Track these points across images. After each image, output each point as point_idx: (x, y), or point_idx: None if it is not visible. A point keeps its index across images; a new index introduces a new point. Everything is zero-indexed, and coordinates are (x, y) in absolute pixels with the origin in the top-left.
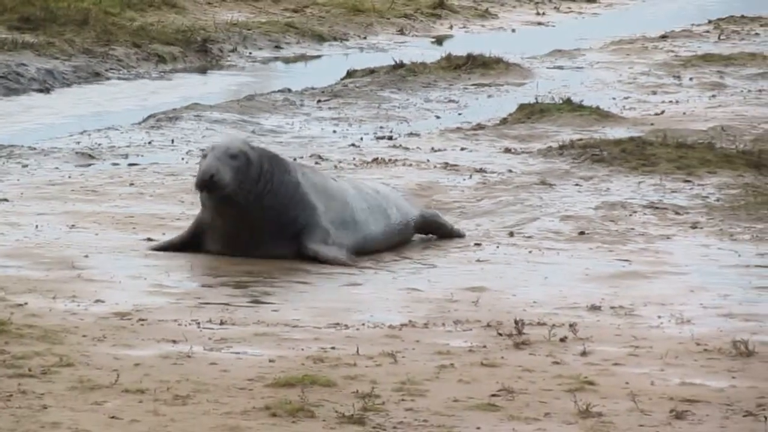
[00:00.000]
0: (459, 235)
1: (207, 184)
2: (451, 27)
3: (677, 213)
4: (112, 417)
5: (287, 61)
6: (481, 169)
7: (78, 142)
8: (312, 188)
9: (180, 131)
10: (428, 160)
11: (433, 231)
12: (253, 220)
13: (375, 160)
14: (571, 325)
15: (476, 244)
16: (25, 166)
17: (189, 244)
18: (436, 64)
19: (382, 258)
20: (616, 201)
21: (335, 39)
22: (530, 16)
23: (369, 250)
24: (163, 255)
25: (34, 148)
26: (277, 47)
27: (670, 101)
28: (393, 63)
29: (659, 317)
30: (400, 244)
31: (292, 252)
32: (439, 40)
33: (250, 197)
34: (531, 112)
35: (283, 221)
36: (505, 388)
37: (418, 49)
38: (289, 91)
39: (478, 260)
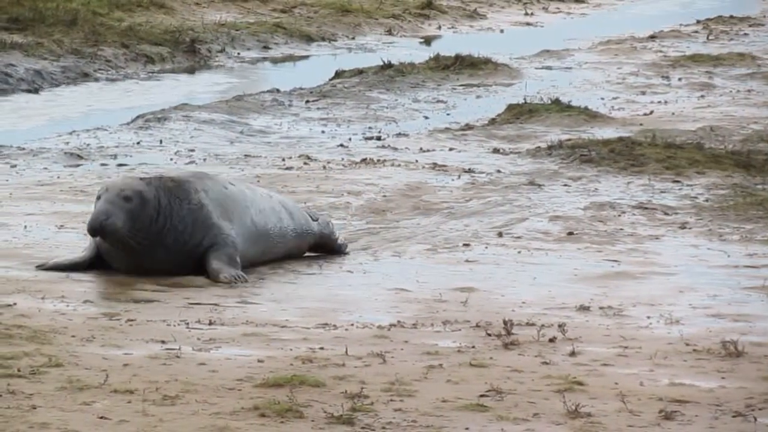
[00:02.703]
0: (343, 252)
1: (98, 230)
2: (439, 27)
3: (666, 213)
4: (101, 417)
5: (275, 61)
6: (469, 169)
7: (67, 143)
8: (216, 205)
9: (168, 132)
10: (417, 161)
11: (325, 247)
12: (153, 256)
13: (363, 160)
14: (560, 326)
15: (465, 245)
16: (14, 166)
17: (92, 264)
18: (424, 65)
19: (371, 256)
20: (604, 201)
21: (323, 39)
22: (519, 16)
23: (268, 254)
24: None
25: (23, 149)
26: (266, 48)
27: (659, 101)
28: (381, 63)
29: (648, 318)
30: (297, 252)
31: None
32: (428, 41)
33: (145, 241)
34: (519, 112)
35: (189, 248)
36: (494, 389)
37: (406, 50)
38: (278, 91)
39: (467, 261)
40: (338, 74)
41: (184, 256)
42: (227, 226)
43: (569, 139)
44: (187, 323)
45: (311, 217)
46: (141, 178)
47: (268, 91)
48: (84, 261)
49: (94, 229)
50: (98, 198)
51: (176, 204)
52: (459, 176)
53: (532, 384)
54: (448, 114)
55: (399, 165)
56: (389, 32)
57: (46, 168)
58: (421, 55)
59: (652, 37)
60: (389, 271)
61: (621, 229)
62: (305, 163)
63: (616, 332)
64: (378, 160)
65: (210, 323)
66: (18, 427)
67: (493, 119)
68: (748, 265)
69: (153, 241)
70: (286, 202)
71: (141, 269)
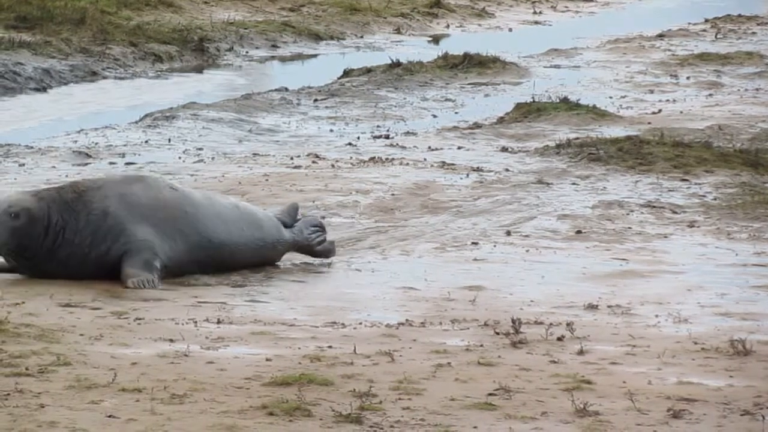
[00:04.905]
0: (325, 256)
1: None
2: (447, 26)
3: (674, 212)
4: (109, 416)
5: (284, 60)
6: (477, 168)
7: (75, 141)
8: (130, 211)
9: (177, 130)
10: (425, 159)
11: (305, 252)
12: (47, 269)
13: (372, 159)
14: (568, 324)
15: (473, 243)
16: (22, 165)
17: (9, 270)
18: (432, 63)
19: (381, 255)
20: (613, 200)
21: (332, 38)
22: (527, 15)
23: (224, 262)
24: None
25: (31, 147)
26: (274, 46)
27: (667, 100)
28: (390, 62)
29: (656, 316)
30: (271, 260)
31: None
32: (436, 39)
33: (34, 257)
34: (528, 111)
35: (94, 258)
36: (502, 387)
37: (414, 48)
38: (286, 90)
39: (475, 259)
40: (346, 73)
41: (91, 266)
42: (144, 231)
43: (577, 138)
44: (196, 322)
45: (285, 224)
46: (34, 194)
47: (276, 90)
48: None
49: None
50: None
51: (71, 218)
52: (467, 175)
53: (540, 382)
54: (456, 113)
55: (407, 164)
56: (398, 31)
57: (54, 167)
58: (429, 53)
59: (661, 36)
60: (397, 270)
61: (629, 228)
62: (314, 162)
63: (625, 331)
64: (386, 159)
65: (218, 322)
66: (26, 425)
67: (502, 118)
68: (756, 263)
69: (44, 256)
70: (254, 212)
71: (55, 276)
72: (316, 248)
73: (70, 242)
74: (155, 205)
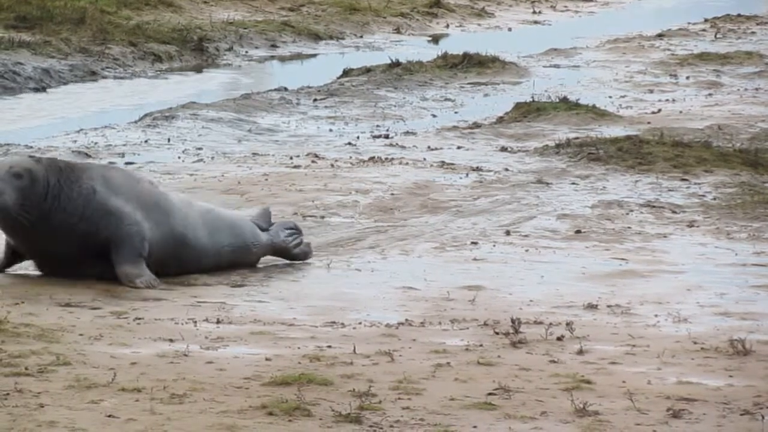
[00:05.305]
0: (302, 259)
1: None
2: (447, 26)
3: (674, 212)
4: (109, 416)
5: (283, 59)
6: (477, 167)
7: (74, 141)
8: (115, 193)
9: (176, 130)
10: (425, 159)
11: (281, 256)
12: (45, 240)
13: (371, 158)
14: (567, 324)
15: (473, 243)
16: None
17: (10, 265)
18: (432, 63)
19: (380, 255)
20: (612, 200)
21: (331, 38)
22: (526, 14)
23: (195, 264)
24: None
25: (31, 147)
26: (274, 46)
27: (667, 100)
28: (389, 62)
29: (656, 316)
30: (246, 263)
31: (110, 271)
32: (436, 39)
33: (32, 218)
34: (527, 110)
35: (80, 234)
36: (502, 387)
37: (414, 48)
38: (286, 89)
39: (475, 259)
40: (346, 72)
41: (76, 239)
42: (130, 209)
43: (577, 138)
44: (195, 322)
45: (261, 227)
46: (31, 156)
47: (275, 90)
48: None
49: None
50: None
51: (66, 185)
52: (467, 174)
53: (539, 382)
54: (455, 112)
55: (407, 163)
56: (397, 31)
57: None
58: (428, 53)
59: (660, 36)
60: (397, 270)
61: (629, 228)
62: (313, 162)
63: (624, 331)
64: (386, 159)
65: (218, 322)
66: (26, 425)
67: (501, 117)
68: (755, 263)
69: (42, 219)
70: (230, 218)
71: (48, 264)
72: (293, 251)
73: (64, 210)
74: (134, 192)
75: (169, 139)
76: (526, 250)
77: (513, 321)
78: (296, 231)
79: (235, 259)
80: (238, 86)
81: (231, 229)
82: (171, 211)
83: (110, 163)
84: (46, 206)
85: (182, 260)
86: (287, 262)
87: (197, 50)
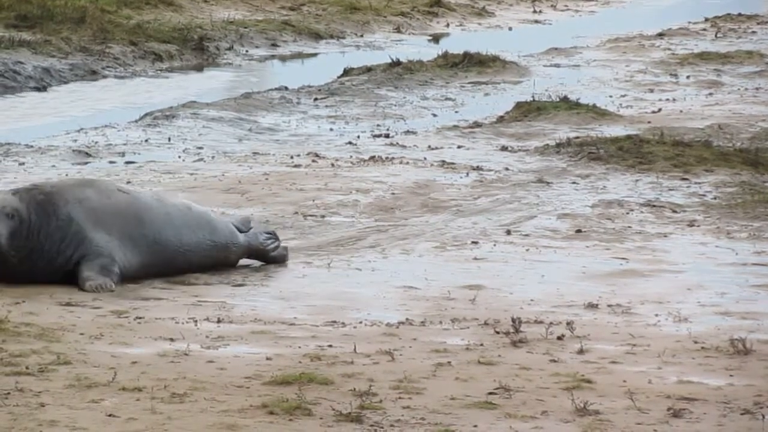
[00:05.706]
0: (279, 262)
1: None
2: (447, 25)
3: (674, 211)
4: (110, 415)
5: (284, 59)
6: (477, 167)
7: (75, 140)
8: (89, 217)
9: (177, 129)
10: (425, 158)
11: (258, 257)
12: (26, 273)
13: (372, 158)
14: (568, 323)
15: (473, 243)
16: (22, 164)
17: None
18: (432, 62)
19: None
20: (613, 199)
21: (332, 37)
22: (527, 14)
23: (174, 264)
24: None
25: (31, 146)
26: (274, 45)
27: (667, 99)
28: (390, 61)
29: (656, 315)
30: (224, 263)
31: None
32: (436, 38)
33: (20, 255)
34: (528, 110)
35: (60, 264)
36: (503, 386)
37: (414, 47)
38: (286, 89)
39: (475, 258)
40: (346, 72)
41: (55, 271)
42: (102, 238)
43: (577, 137)
44: (196, 321)
45: (239, 229)
46: (14, 192)
47: (276, 89)
48: None
49: None
50: None
51: (44, 220)
52: (467, 174)
53: (540, 382)
54: (456, 112)
55: (407, 163)
56: (398, 30)
57: (54, 166)
58: (429, 52)
59: (661, 35)
60: (398, 269)
61: (629, 227)
62: (314, 161)
63: (625, 330)
64: (386, 158)
65: (218, 321)
66: (26, 424)
67: (502, 117)
68: (756, 262)
69: (27, 256)
70: (207, 215)
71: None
72: (271, 254)
73: (42, 246)
74: (108, 210)
75: (169, 139)
76: (527, 250)
77: (513, 320)
78: (274, 237)
79: (214, 257)
80: (239, 85)
81: (209, 226)
82: (147, 217)
83: (110, 162)
84: (30, 244)
85: (167, 262)
86: (287, 262)
87: (198, 49)
